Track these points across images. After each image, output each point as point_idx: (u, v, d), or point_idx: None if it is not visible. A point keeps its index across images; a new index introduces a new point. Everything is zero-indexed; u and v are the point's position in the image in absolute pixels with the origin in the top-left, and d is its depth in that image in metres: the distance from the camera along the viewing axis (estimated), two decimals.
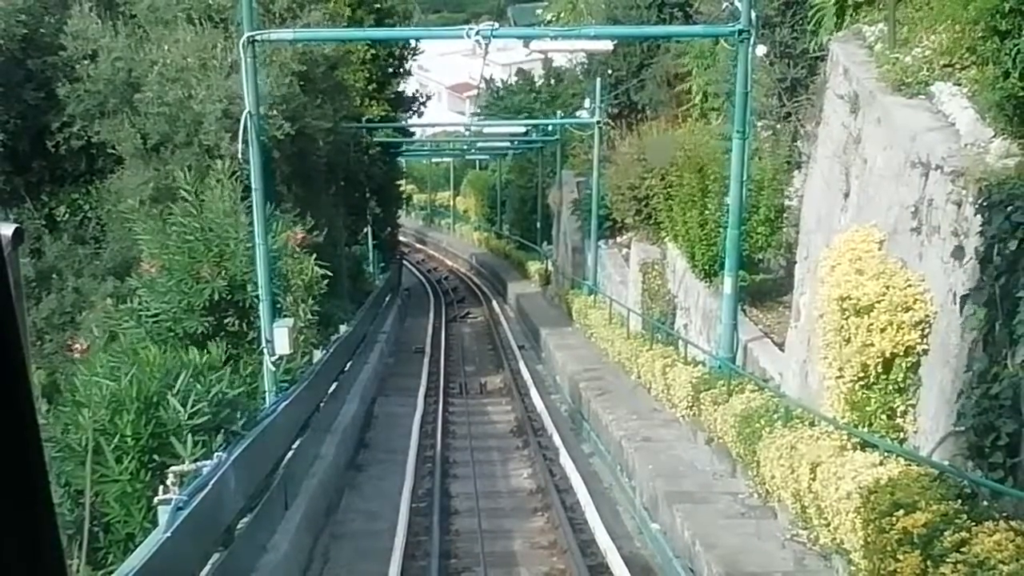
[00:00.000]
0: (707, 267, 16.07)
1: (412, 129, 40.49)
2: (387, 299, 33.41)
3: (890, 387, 8.56)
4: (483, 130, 42.46)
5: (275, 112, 18.62)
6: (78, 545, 8.21)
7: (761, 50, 12.79)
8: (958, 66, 9.42)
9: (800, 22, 15.64)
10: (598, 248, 25.89)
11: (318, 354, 15.95)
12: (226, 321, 13.84)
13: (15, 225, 1.44)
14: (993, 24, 7.90)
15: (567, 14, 34.45)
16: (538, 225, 40.08)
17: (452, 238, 61.68)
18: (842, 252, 9.42)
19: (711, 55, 19.41)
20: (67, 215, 20.63)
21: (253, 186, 12.73)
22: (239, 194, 14.23)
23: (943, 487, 7.12)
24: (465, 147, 53.30)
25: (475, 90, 48.41)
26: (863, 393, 8.70)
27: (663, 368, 15.63)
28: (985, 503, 6.76)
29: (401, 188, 45.71)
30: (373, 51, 31.66)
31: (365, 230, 32.90)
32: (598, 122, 24.96)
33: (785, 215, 15.69)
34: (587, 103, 28.55)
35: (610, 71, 30.27)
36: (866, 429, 8.68)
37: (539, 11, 47.99)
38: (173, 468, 9.18)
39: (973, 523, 6.41)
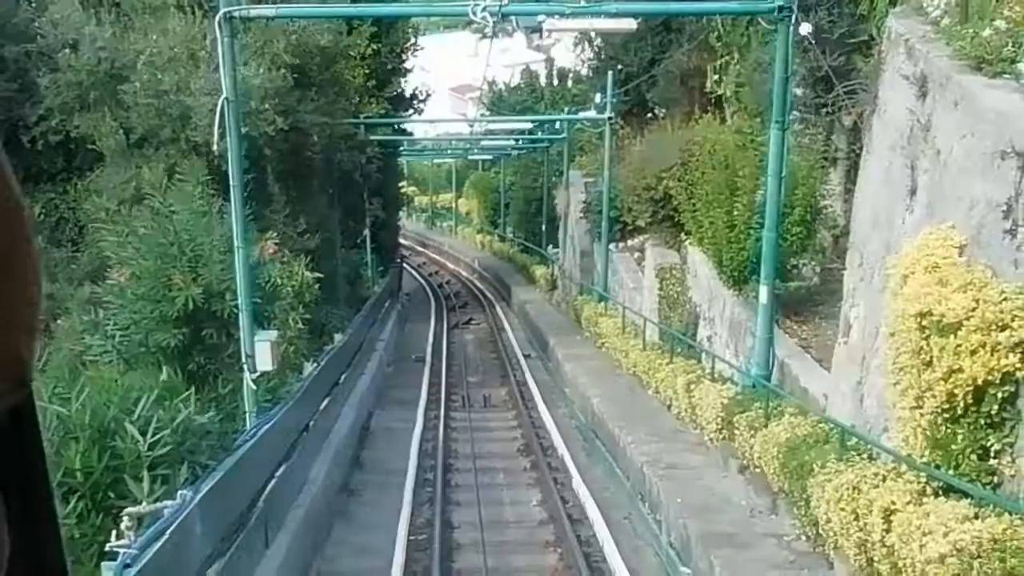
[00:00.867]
0: (735, 273, 14.62)
1: (413, 129, 39.17)
2: (386, 305, 32.20)
3: (982, 421, 7.12)
4: (487, 127, 41.00)
5: (267, 106, 17.47)
6: None
7: (805, 28, 11.37)
8: None
9: (838, 4, 14.21)
10: (609, 252, 24.46)
11: (309, 367, 14.61)
12: (204, 333, 12.44)
13: None
14: None
15: None
16: (543, 228, 38.92)
17: (454, 241, 60.50)
18: (915, 259, 7.99)
19: (742, 41, 17.97)
20: (43, 215, 19.36)
21: (232, 183, 11.35)
22: (219, 193, 12.88)
23: None
24: (467, 147, 51.94)
25: (477, 91, 47.03)
26: (948, 428, 7.27)
27: (687, 385, 14.23)
28: None
29: (402, 189, 44.44)
30: (372, 46, 30.36)
31: (363, 233, 31.56)
32: (609, 118, 23.50)
33: (821, 216, 14.25)
34: (598, 98, 27.09)
35: (620, 66, 28.93)
36: (951, 471, 7.24)
37: None
38: (128, 510, 7.85)
39: None
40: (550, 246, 37.60)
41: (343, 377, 18.37)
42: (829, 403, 10.99)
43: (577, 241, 29.80)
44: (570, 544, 12.21)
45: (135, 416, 9.02)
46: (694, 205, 15.94)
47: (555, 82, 49.69)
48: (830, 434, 9.56)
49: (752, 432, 11.17)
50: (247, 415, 11.88)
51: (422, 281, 49.90)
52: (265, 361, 11.71)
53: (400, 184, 48.82)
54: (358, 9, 19.26)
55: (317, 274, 17.73)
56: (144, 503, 8.23)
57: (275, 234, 15.05)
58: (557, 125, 34.92)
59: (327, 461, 14.15)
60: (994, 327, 7.01)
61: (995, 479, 7.22)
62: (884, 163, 9.81)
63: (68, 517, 8.23)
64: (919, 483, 7.52)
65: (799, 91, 15.25)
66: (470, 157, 57.03)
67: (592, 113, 28.43)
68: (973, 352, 7.04)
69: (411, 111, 36.15)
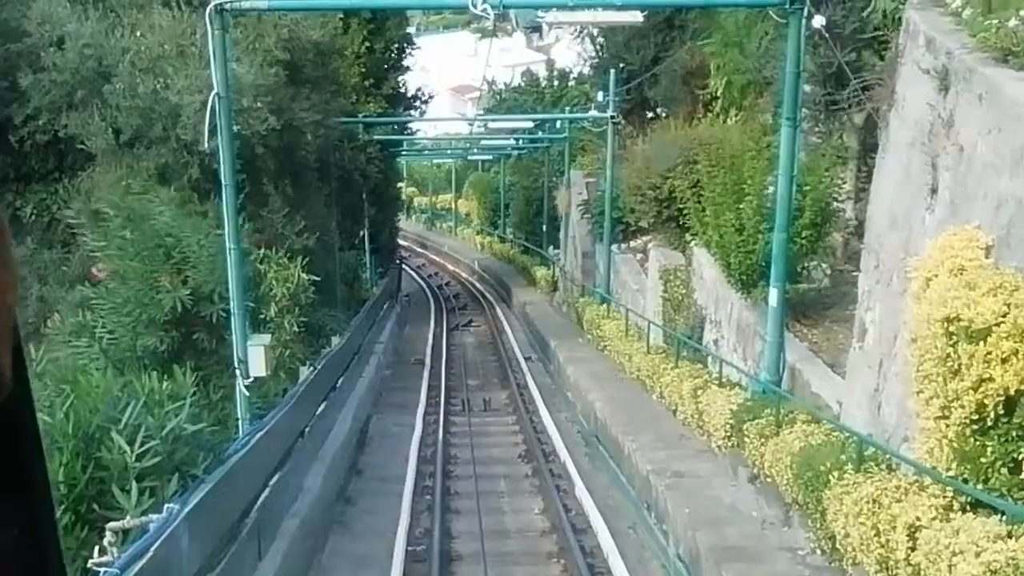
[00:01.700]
0: (744, 276, 14.19)
1: (412, 128, 38.74)
2: (385, 306, 31.80)
3: (1013, 433, 6.72)
4: (487, 126, 40.58)
5: (259, 104, 17.03)
6: None
7: (819, 21, 10.96)
8: None
9: None
10: (611, 253, 24.04)
11: (305, 371, 14.20)
12: (195, 337, 12.03)
13: None
14: None
15: None
16: (544, 228, 38.50)
17: (454, 242, 60.09)
18: (938, 261, 7.59)
19: (744, 38, 17.55)
20: (33, 216, 18.93)
21: (223, 181, 10.94)
22: (211, 193, 12.48)
23: None
24: (467, 147, 51.54)
25: (477, 92, 46.64)
26: (976, 440, 6.86)
27: (693, 390, 13.82)
28: None
29: (401, 189, 44.05)
30: (368, 44, 29.98)
31: (361, 233, 31.15)
32: (612, 117, 23.08)
33: (834, 218, 13.82)
34: (599, 97, 26.68)
35: (622, 65, 28.55)
36: (980, 486, 6.84)
37: None
38: (112, 524, 7.45)
39: None
40: (551, 247, 37.22)
41: (340, 381, 17.97)
42: (843, 410, 10.60)
43: (578, 242, 29.40)
44: (574, 555, 11.81)
45: (122, 424, 8.63)
46: (701, 206, 15.51)
47: (555, 83, 49.33)
48: (846, 443, 9.15)
49: (763, 440, 10.76)
50: (239, 422, 11.47)
51: (421, 282, 49.53)
52: (258, 366, 11.30)
53: (399, 184, 48.43)
54: (353, 1, 18.80)
55: (314, 276, 17.32)
56: (128, 517, 7.82)
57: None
58: (558, 124, 34.55)
59: (323, 468, 13.75)
60: None
61: None
62: (902, 161, 9.41)
63: None
64: (945, 498, 7.13)
65: (807, 88, 14.83)
66: (470, 157, 56.62)
67: (594, 112, 28.04)
68: (1004, 360, 6.64)
69: (411, 111, 35.75)
